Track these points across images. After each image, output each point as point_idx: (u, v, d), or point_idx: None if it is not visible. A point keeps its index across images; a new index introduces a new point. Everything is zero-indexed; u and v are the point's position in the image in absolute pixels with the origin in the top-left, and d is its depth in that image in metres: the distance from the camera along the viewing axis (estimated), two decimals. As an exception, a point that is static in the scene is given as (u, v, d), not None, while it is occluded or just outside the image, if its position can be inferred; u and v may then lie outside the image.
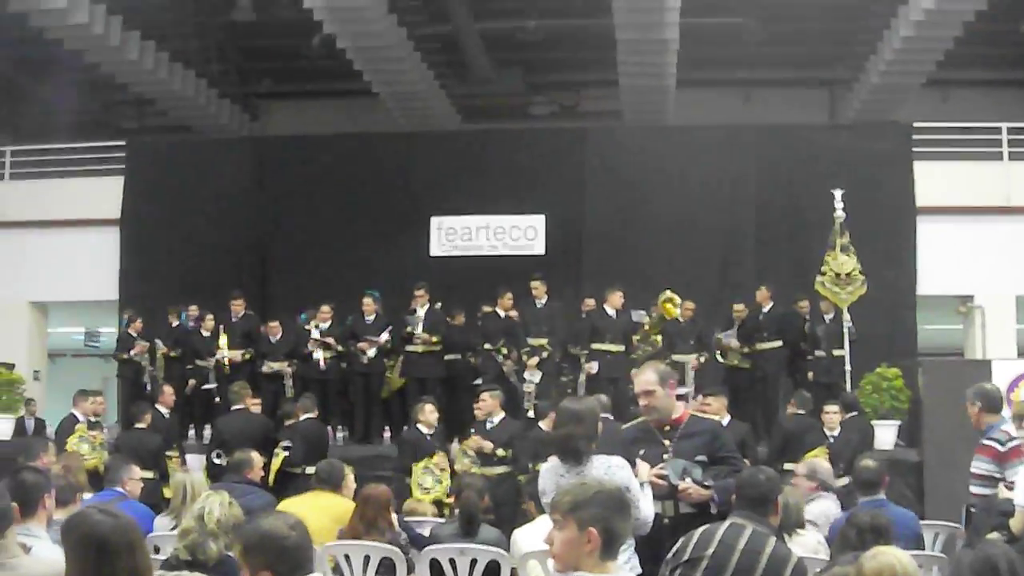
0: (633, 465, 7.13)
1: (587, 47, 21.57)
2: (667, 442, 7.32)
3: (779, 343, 17.13)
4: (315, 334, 17.24)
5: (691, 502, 7.06)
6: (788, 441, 13.87)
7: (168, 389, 16.31)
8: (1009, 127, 20.33)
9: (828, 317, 16.90)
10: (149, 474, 13.17)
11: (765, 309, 17.23)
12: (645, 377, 7.41)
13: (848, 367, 16.27)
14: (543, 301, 17.02)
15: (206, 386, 17.60)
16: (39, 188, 21.88)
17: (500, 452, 13.60)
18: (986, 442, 9.26)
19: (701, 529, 6.09)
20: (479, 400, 14.10)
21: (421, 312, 17.06)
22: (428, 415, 13.96)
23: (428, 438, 13.87)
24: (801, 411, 14.44)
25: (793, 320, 17.30)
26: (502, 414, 14.03)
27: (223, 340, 17.54)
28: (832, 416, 14.01)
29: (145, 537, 4.52)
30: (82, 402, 15.19)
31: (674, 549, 6.09)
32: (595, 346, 16.80)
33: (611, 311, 16.89)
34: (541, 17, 21.58)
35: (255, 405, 15.38)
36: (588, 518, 4.55)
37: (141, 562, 4.25)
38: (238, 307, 18.07)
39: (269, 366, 17.47)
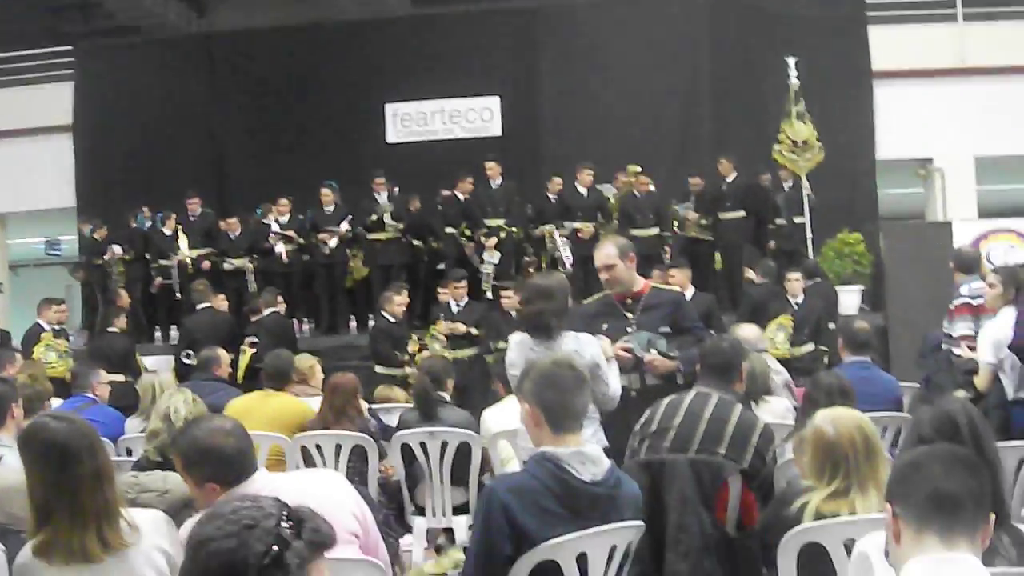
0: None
1: (534, -77, 21.29)
2: (630, 315, 7.33)
3: (742, 213, 17.11)
4: (275, 228, 17.19)
5: (657, 374, 7.08)
6: (755, 309, 13.89)
7: (123, 293, 16.27)
8: (962, -14, 20.20)
9: (787, 185, 16.90)
10: (120, 377, 13.22)
11: (729, 179, 17.17)
12: (605, 251, 7.41)
13: (809, 234, 16.31)
14: (498, 182, 16.98)
15: (167, 281, 17.56)
16: (-11, 97, 21.58)
17: (474, 331, 13.71)
18: (959, 301, 9.43)
19: (667, 399, 6.13)
20: (451, 287, 14.17)
21: (385, 199, 16.98)
22: (395, 306, 14.01)
23: (397, 326, 13.95)
24: (765, 279, 14.49)
25: (757, 191, 17.28)
26: (466, 298, 14.17)
27: (182, 240, 17.48)
28: (795, 283, 13.98)
29: (101, 439, 4.47)
30: (46, 311, 15.13)
31: (641, 420, 6.13)
32: (567, 224, 16.80)
33: (582, 189, 16.85)
34: None
35: (221, 303, 15.38)
36: (526, 393, 4.58)
37: (103, 464, 4.19)
38: (194, 206, 18.04)
39: (230, 263, 17.44)
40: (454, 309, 14.26)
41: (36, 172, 21.09)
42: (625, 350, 7.09)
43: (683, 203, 17.41)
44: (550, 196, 17.21)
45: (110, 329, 14.68)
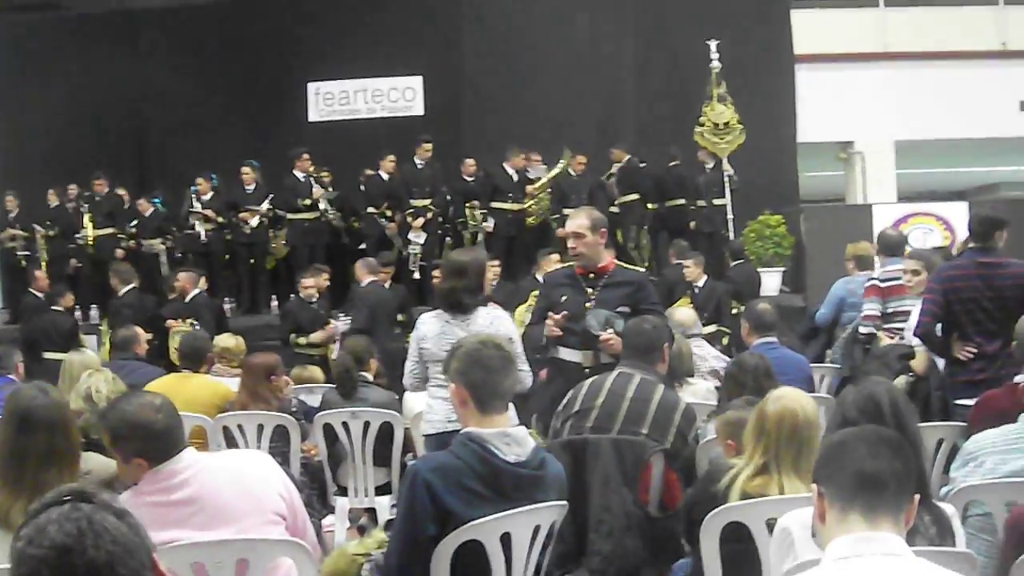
0: (551, 308, 7.20)
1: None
2: (590, 290, 7.35)
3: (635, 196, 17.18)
4: (196, 206, 17.07)
5: (611, 352, 7.09)
6: (666, 292, 14.00)
7: (39, 273, 16.11)
8: (884, -27, 20.41)
9: (708, 167, 16.98)
10: (63, 356, 13.09)
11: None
12: (578, 220, 7.46)
13: (731, 215, 16.42)
14: (424, 162, 16.96)
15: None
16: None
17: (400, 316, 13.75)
18: (868, 283, 9.75)
19: (589, 380, 6.15)
20: (380, 272, 14.17)
21: (316, 184, 16.92)
22: (306, 289, 13.98)
23: (311, 306, 13.90)
24: (681, 260, 14.61)
25: (633, 173, 17.34)
26: (389, 280, 14.20)
27: (87, 220, 17.38)
28: (689, 270, 14.07)
29: (73, 423, 4.49)
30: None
31: (564, 400, 6.14)
32: (494, 205, 16.82)
33: (511, 171, 16.86)
34: None
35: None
36: (453, 373, 4.58)
37: (59, 443, 4.25)
38: (100, 186, 17.83)
39: (150, 244, 17.32)
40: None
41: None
42: (566, 323, 7.13)
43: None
44: (465, 178, 17.21)
45: (54, 307, 14.54)
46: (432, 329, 6.85)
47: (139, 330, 10.74)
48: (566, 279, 7.60)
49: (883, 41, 19.97)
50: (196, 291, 14.38)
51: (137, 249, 17.51)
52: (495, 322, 6.74)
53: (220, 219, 17.14)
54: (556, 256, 12.38)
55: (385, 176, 17.03)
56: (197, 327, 13.46)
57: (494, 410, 4.51)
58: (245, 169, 17.11)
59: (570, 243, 7.52)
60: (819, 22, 19.99)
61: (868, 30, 20.04)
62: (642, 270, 8.70)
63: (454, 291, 6.78)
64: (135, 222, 17.81)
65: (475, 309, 6.77)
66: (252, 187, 17.08)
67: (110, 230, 17.61)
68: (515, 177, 16.92)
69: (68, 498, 2.42)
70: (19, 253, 17.90)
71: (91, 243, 17.43)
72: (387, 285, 14.23)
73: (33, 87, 20.69)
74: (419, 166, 16.99)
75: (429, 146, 16.96)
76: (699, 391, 7.72)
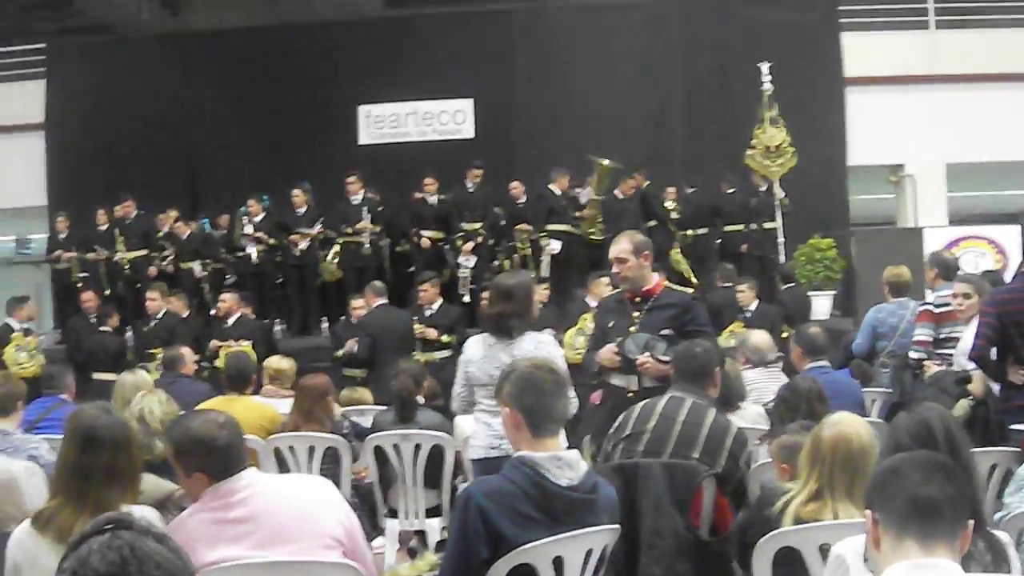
0: (604, 335, 7.19)
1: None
2: (636, 314, 7.36)
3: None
4: (248, 229, 17.14)
5: (653, 376, 7.08)
6: (713, 316, 13.92)
7: (87, 295, 16.23)
8: (934, -6, 20.32)
9: (761, 190, 16.94)
10: (112, 376, 13.24)
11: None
12: (620, 246, 7.45)
13: (781, 239, 16.38)
14: (476, 185, 16.99)
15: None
16: (-41, 95, 21.45)
17: (444, 338, 13.68)
18: (921, 308, 9.71)
19: (642, 403, 6.16)
20: (419, 289, 14.12)
21: (360, 201, 16.94)
22: (355, 310, 14.05)
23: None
24: (727, 284, 14.62)
25: (649, 201, 17.33)
26: (440, 300, 14.12)
27: (119, 243, 17.50)
28: (743, 295, 14.08)
29: (135, 441, 4.60)
30: (16, 310, 15.15)
31: (615, 424, 6.15)
32: (551, 227, 16.79)
33: (558, 192, 16.85)
34: None
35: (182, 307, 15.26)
36: (507, 397, 4.59)
37: (122, 462, 4.34)
38: (127, 209, 17.92)
39: (188, 267, 17.41)
40: (427, 312, 14.22)
41: (7, 170, 20.88)
42: (617, 353, 7.13)
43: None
44: (516, 201, 17.23)
45: (102, 328, 14.66)
46: (477, 353, 6.87)
47: (186, 349, 10.89)
48: (615, 304, 7.62)
49: (933, 63, 19.84)
50: (239, 313, 14.46)
51: (176, 272, 17.55)
52: (539, 347, 6.75)
53: (271, 241, 17.21)
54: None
55: (429, 199, 17.08)
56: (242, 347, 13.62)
57: (547, 434, 4.53)
58: (296, 191, 17.18)
59: (614, 269, 7.53)
60: (869, 44, 19.91)
61: (918, 52, 19.92)
62: (690, 291, 8.65)
63: (502, 316, 6.80)
64: (164, 243, 17.87)
65: (522, 333, 6.80)
66: (303, 209, 17.14)
67: (143, 252, 17.70)
68: (563, 199, 16.91)
69: (108, 527, 2.45)
70: (77, 275, 17.97)
71: (126, 265, 17.52)
72: (436, 304, 14.15)
73: (85, 109, 20.88)
74: (470, 189, 17.03)
75: (479, 171, 17.03)
76: (749, 415, 7.70)
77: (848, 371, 10.65)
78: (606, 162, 16.51)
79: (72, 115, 21.00)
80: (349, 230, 16.80)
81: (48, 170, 20.99)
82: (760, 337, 9.49)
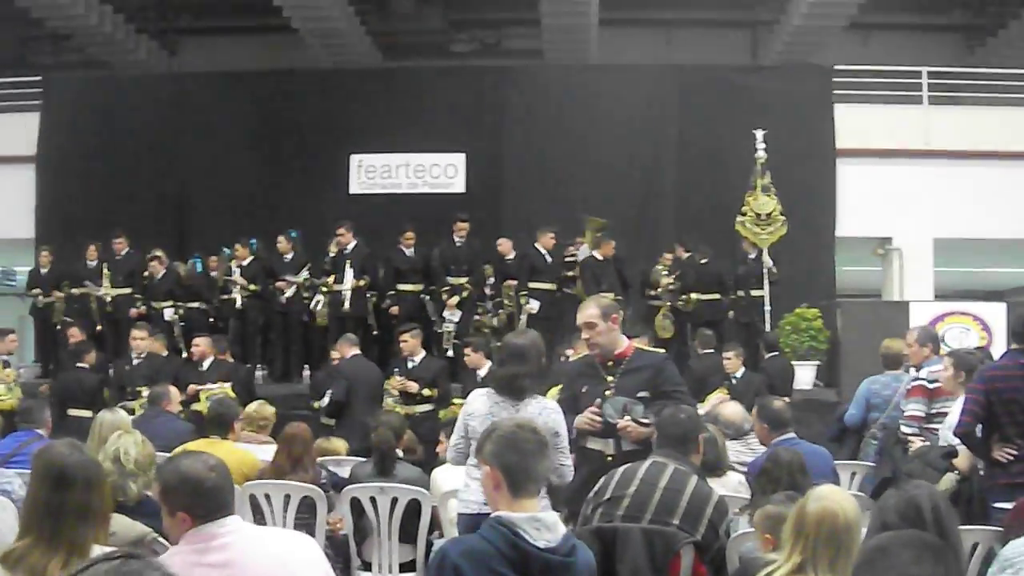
0: (575, 400, 7.14)
1: (508, -15, 21.46)
2: (610, 378, 7.30)
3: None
4: (234, 273, 17.09)
5: (631, 439, 7.03)
6: (697, 382, 13.92)
7: (72, 332, 16.13)
8: (929, 71, 20.45)
9: (750, 257, 16.94)
10: (88, 413, 13.19)
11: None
12: (588, 311, 7.38)
13: (768, 307, 16.36)
14: (463, 240, 16.96)
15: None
16: (-46, 125, 21.45)
17: (426, 391, 13.62)
18: (914, 383, 9.67)
19: (623, 468, 6.10)
20: (400, 340, 14.07)
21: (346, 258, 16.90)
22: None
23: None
24: (709, 350, 14.65)
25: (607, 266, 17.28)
26: (423, 353, 14.07)
27: (105, 278, 17.39)
28: (730, 361, 14.08)
29: (105, 481, 4.51)
30: (-1, 341, 15.05)
31: (595, 488, 6.09)
32: (532, 285, 16.70)
33: (543, 251, 16.80)
34: (462, -46, 21.44)
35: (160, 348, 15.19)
36: (487, 455, 4.53)
37: (95, 500, 4.27)
38: (120, 246, 17.78)
39: (158, 307, 17.32)
40: (409, 365, 14.17)
41: (-4, 201, 20.95)
42: (597, 414, 7.07)
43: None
44: (504, 258, 17.19)
45: (79, 364, 14.57)
46: (481, 407, 6.82)
47: (172, 388, 10.91)
48: (587, 368, 7.54)
49: (925, 138, 19.95)
50: (211, 357, 14.38)
51: (150, 312, 17.47)
52: (544, 412, 6.71)
53: (252, 287, 17.12)
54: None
55: (407, 251, 17.04)
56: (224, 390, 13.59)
57: (526, 494, 4.47)
58: (280, 238, 17.15)
59: (584, 334, 7.47)
60: (862, 117, 20.03)
61: (910, 127, 20.03)
62: (662, 351, 8.59)
63: (516, 377, 6.78)
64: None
65: (532, 395, 6.78)
66: (289, 256, 17.11)
67: (127, 290, 17.58)
68: (548, 257, 16.85)
69: (118, 556, 2.44)
70: (61, 317, 17.87)
71: (109, 302, 17.42)
72: (419, 357, 14.13)
73: (77, 143, 20.95)
74: (456, 243, 17.00)
75: (465, 225, 16.95)
76: (730, 483, 7.66)
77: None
78: (598, 220, 16.53)
79: (64, 149, 21.06)
80: (329, 281, 16.72)
81: (37, 203, 20.97)
82: (732, 410, 9.38)
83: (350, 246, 16.77)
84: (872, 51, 22.80)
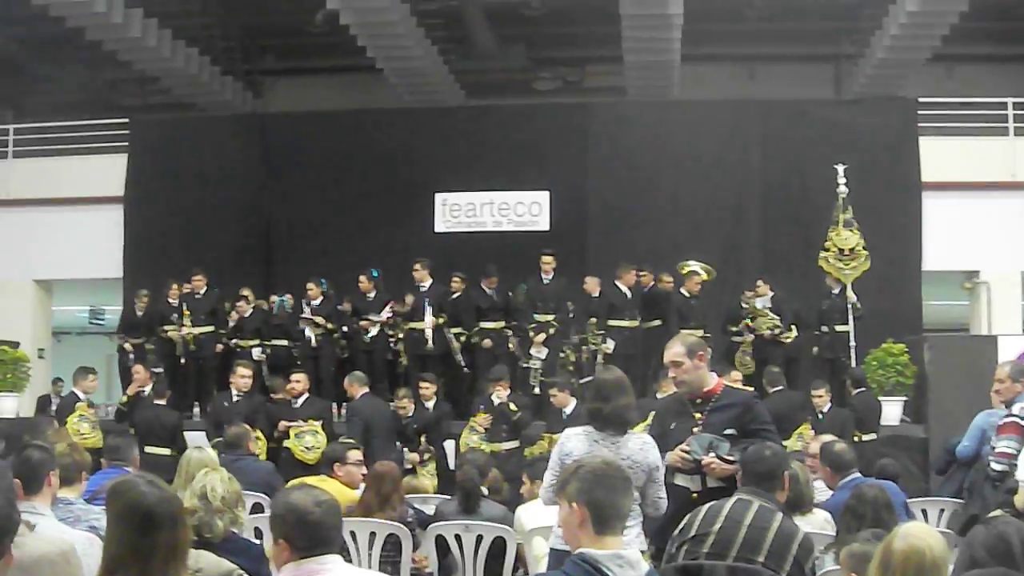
0: (664, 437, 7.15)
1: (591, 22, 21.44)
2: (698, 415, 7.30)
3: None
4: (306, 312, 17.23)
5: (716, 476, 7.03)
6: (777, 419, 13.85)
7: (137, 369, 16.31)
8: (1015, 102, 20.25)
9: (834, 292, 16.83)
10: (166, 451, 13.39)
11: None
12: (674, 349, 7.39)
13: (853, 343, 16.23)
14: (550, 277, 16.97)
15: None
16: (43, 166, 21.85)
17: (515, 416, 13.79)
18: (1007, 419, 9.40)
19: (708, 505, 6.08)
20: (494, 385, 14.20)
21: (425, 295, 17.05)
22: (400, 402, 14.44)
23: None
24: (778, 387, 14.75)
25: (659, 298, 17.28)
26: (508, 391, 14.23)
27: (187, 318, 17.57)
28: (819, 399, 14.22)
29: (185, 513, 4.55)
30: (82, 380, 15.24)
31: (680, 525, 6.08)
32: (612, 323, 16.71)
33: (624, 288, 16.80)
34: (545, -8, 21.50)
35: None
36: (572, 492, 4.55)
37: (181, 537, 4.24)
38: (199, 283, 17.97)
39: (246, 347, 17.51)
40: (496, 402, 14.28)
41: (85, 241, 21.32)
42: (684, 452, 7.07)
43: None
44: (590, 295, 17.16)
45: (157, 401, 14.76)
46: (579, 447, 6.82)
47: (249, 427, 11.04)
48: (676, 405, 7.54)
49: (1012, 170, 19.78)
50: (306, 396, 14.61)
51: (233, 349, 17.70)
52: (644, 447, 6.78)
53: (329, 325, 17.26)
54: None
55: (488, 291, 17.17)
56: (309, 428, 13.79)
57: (610, 531, 4.49)
58: (363, 277, 17.27)
59: (670, 373, 7.48)
60: (947, 149, 19.88)
61: (997, 158, 19.87)
62: (750, 390, 8.58)
63: (627, 408, 6.85)
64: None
65: (633, 428, 6.81)
66: (372, 294, 17.23)
67: (210, 328, 17.78)
68: (628, 294, 16.85)
69: None
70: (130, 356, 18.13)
71: (191, 340, 17.60)
72: (504, 398, 14.25)
73: (164, 184, 21.28)
74: (544, 281, 17.01)
75: (551, 259, 16.96)
76: (816, 521, 7.61)
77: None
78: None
79: (151, 189, 21.38)
80: (408, 324, 16.93)
81: (125, 243, 21.27)
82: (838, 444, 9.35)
83: (426, 284, 16.89)
84: (956, 83, 22.58)
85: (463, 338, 17.26)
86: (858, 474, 8.47)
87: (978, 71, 22.77)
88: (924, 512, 10.40)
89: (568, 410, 13.74)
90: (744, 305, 17.19)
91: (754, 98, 22.19)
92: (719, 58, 23.36)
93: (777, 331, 16.61)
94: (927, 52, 20.59)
